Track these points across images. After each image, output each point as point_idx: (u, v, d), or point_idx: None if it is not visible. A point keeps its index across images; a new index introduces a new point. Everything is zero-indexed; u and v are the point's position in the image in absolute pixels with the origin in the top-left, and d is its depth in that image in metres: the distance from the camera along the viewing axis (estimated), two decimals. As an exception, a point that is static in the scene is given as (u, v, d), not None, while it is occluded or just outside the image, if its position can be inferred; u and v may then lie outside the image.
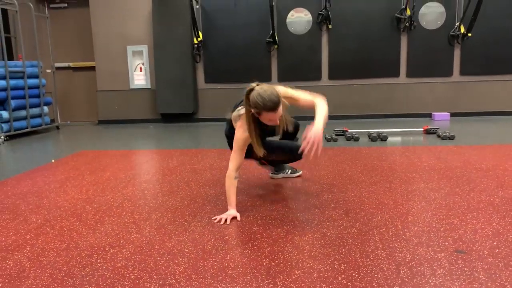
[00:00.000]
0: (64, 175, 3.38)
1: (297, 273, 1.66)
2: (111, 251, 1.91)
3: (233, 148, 2.33)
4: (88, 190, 2.93)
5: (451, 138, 4.49)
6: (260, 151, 2.29)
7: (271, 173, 3.13)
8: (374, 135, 4.61)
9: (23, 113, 5.69)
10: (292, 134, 2.73)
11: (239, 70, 6.51)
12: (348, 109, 6.49)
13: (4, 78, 5.36)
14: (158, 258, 1.82)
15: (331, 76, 6.45)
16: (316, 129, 2.08)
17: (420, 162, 3.48)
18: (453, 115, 6.28)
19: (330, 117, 6.74)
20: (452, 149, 3.99)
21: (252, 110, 2.17)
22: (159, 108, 6.63)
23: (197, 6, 6.44)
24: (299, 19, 6.35)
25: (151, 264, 1.77)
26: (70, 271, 1.73)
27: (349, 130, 4.99)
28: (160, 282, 1.61)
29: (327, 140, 4.64)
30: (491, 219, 2.16)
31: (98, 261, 1.81)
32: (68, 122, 7.36)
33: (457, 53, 6.29)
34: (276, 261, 1.76)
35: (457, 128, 5.36)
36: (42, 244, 2.01)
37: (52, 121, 6.64)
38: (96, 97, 6.96)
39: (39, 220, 2.35)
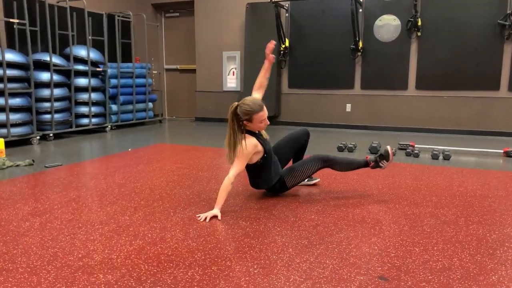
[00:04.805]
0: (125, 163, 4.02)
1: (217, 261, 1.84)
2: (96, 226, 2.34)
3: (240, 154, 2.55)
4: (130, 177, 3.47)
5: (529, 164, 3.93)
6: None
7: None
8: (436, 152, 4.28)
9: (130, 107, 6.73)
10: (302, 148, 3.11)
11: (322, 76, 6.60)
12: (434, 122, 6.03)
13: (116, 77, 6.42)
14: (123, 237, 2.18)
15: (418, 86, 6.07)
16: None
17: (457, 186, 3.19)
18: None
19: (406, 128, 6.47)
20: (516, 176, 3.52)
21: (244, 120, 2.56)
22: (245, 110, 7.09)
23: (287, 15, 6.71)
24: (388, 24, 6.12)
25: (113, 241, 2.14)
26: (56, 236, 2.20)
27: (415, 145, 4.71)
28: (105, 256, 1.97)
29: (385, 153, 4.47)
30: (460, 254, 1.99)
31: (81, 232, 2.25)
32: (174, 117, 8.36)
33: None
34: (208, 251, 1.96)
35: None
36: (58, 214, 2.55)
37: (156, 115, 7.65)
38: (195, 97, 7.77)
39: (74, 196, 2.93)
